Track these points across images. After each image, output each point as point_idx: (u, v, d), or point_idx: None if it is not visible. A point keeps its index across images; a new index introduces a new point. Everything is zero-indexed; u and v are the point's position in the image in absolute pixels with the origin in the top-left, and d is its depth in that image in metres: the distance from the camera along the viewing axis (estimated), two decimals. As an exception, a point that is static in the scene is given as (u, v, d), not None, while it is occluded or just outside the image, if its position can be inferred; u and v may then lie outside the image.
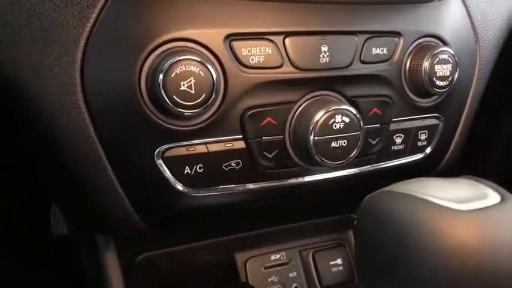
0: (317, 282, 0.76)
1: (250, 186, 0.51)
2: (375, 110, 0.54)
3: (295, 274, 0.76)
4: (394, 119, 0.56)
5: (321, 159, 0.48)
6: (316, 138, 0.48)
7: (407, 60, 0.55)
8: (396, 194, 0.36)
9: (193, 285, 0.67)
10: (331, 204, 0.76)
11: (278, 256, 0.76)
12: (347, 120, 0.49)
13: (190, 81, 0.42)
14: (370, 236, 0.35)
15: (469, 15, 0.61)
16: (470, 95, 0.62)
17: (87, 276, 0.65)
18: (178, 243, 0.70)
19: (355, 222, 0.41)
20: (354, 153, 0.50)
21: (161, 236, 0.68)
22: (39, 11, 0.41)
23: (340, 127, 0.49)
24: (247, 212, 0.60)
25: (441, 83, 0.54)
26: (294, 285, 0.75)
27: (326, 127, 0.48)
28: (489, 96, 0.65)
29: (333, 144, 0.49)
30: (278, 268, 0.75)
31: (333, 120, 0.48)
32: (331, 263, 0.77)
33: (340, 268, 0.77)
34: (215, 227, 0.71)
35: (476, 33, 0.61)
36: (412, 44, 0.55)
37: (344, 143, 0.49)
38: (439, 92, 0.55)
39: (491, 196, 0.31)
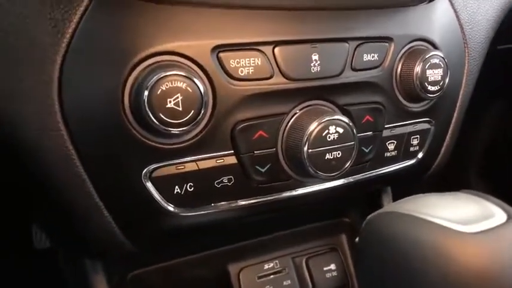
0: (311, 289, 0.75)
1: (243, 202, 0.49)
2: (367, 117, 0.52)
3: (289, 282, 0.74)
4: (386, 126, 0.55)
5: (315, 171, 0.47)
6: (310, 150, 0.46)
7: (398, 65, 0.54)
8: (398, 214, 0.35)
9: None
10: (323, 212, 0.75)
11: (271, 265, 0.75)
12: (341, 130, 0.47)
13: (178, 97, 0.40)
14: (373, 257, 0.34)
15: (457, 17, 0.60)
16: (460, 97, 0.62)
17: None
18: (169, 259, 0.68)
19: (357, 240, 0.40)
20: (348, 164, 0.49)
21: (151, 253, 0.66)
22: (16, 29, 0.38)
23: (334, 138, 0.47)
24: (238, 226, 0.58)
25: (433, 88, 0.53)
26: (289, 293, 0.74)
27: (320, 139, 0.46)
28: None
29: (327, 156, 0.47)
30: (272, 277, 0.74)
31: (326, 131, 0.47)
32: (325, 268, 0.76)
33: (334, 274, 0.77)
34: (206, 241, 0.69)
35: (465, 34, 0.61)
36: (402, 48, 0.54)
37: (338, 154, 0.48)
38: (431, 97, 0.54)
39: (496, 214, 0.30)
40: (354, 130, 0.48)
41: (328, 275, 0.76)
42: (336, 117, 0.47)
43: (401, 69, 0.53)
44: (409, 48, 0.54)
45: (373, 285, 0.34)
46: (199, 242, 0.68)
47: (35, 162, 0.41)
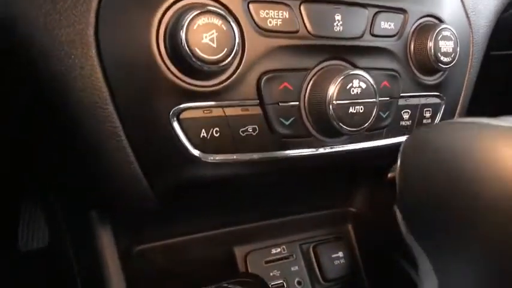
0: (320, 276, 0.73)
1: (266, 154, 0.48)
2: (384, 83, 0.54)
3: (297, 268, 0.73)
4: (401, 94, 0.56)
5: (338, 124, 0.48)
6: (335, 102, 0.47)
7: (412, 38, 0.56)
8: (458, 123, 0.34)
9: (190, 279, 0.62)
10: (335, 189, 0.74)
11: (279, 250, 0.73)
12: (363, 86, 0.49)
13: (213, 34, 0.41)
14: (420, 172, 0.33)
15: (462, 2, 0.64)
16: (466, 77, 0.64)
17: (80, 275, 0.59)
18: (175, 236, 0.66)
19: (399, 161, 0.37)
20: (370, 120, 0.50)
21: (158, 227, 0.64)
22: None
23: (357, 92, 0.48)
24: (258, 186, 0.57)
25: (445, 59, 0.56)
26: (297, 279, 0.72)
27: (344, 91, 0.47)
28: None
29: (351, 109, 0.48)
30: (279, 262, 0.72)
31: (350, 84, 0.48)
32: (333, 256, 0.75)
33: (342, 261, 0.75)
34: (213, 218, 0.68)
35: (469, 19, 0.64)
36: (416, 22, 0.57)
37: (361, 109, 0.49)
38: (444, 67, 0.56)
39: None
40: (375, 88, 0.50)
41: (336, 262, 0.75)
42: (359, 72, 0.48)
43: (415, 42, 0.56)
44: (421, 22, 0.57)
45: (419, 202, 0.33)
46: (206, 219, 0.66)
47: (62, 93, 0.41)
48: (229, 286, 0.51)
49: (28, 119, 0.49)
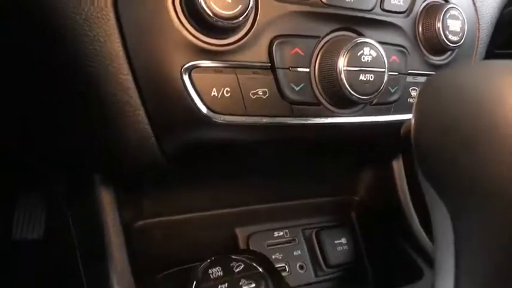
0: (322, 262, 0.71)
1: (275, 120, 0.48)
2: (393, 57, 0.54)
3: (299, 252, 0.71)
4: (409, 71, 0.57)
5: (349, 91, 0.48)
6: (346, 68, 0.47)
7: (420, 16, 0.57)
8: (482, 64, 0.33)
9: (191, 257, 0.61)
10: (339, 176, 0.74)
11: (281, 234, 0.72)
12: (374, 54, 0.49)
13: (228, -12, 0.41)
14: (440, 112, 0.32)
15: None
16: (474, 56, 0.65)
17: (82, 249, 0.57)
18: (176, 213, 0.65)
19: (416, 102, 0.36)
20: (380, 89, 0.50)
21: (159, 203, 0.63)
22: None
23: (368, 60, 0.48)
24: (265, 158, 0.56)
25: (453, 38, 0.57)
26: (299, 263, 0.70)
27: (355, 58, 0.47)
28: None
29: (361, 77, 0.48)
30: (282, 246, 0.71)
31: (361, 52, 0.48)
32: (336, 241, 0.74)
33: (345, 247, 0.74)
34: (216, 198, 0.67)
35: (475, 5, 0.65)
36: (424, 1, 0.57)
37: (371, 77, 0.49)
38: (451, 46, 0.57)
39: None
40: (385, 58, 0.50)
41: (339, 248, 0.73)
42: (370, 41, 0.49)
43: (423, 20, 0.57)
44: (430, 2, 0.58)
45: (433, 158, 0.32)
46: (208, 197, 0.65)
47: (77, 50, 0.40)
48: (236, 257, 0.50)
49: (36, 79, 0.48)
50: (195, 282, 0.46)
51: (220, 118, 0.45)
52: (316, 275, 0.71)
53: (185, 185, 0.62)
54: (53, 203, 0.76)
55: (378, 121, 0.56)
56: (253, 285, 0.46)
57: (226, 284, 0.45)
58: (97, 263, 0.52)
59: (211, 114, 0.45)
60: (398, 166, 0.76)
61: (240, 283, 0.46)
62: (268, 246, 0.69)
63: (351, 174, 0.79)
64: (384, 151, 0.71)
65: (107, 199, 0.52)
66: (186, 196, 0.64)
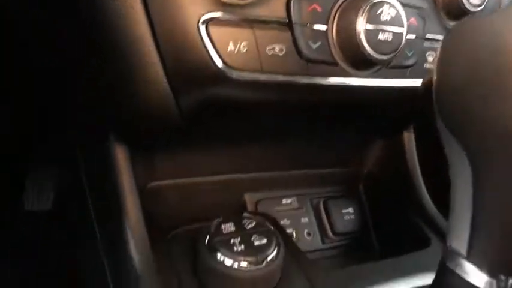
0: (329, 230, 0.72)
1: (291, 78, 0.48)
2: (412, 19, 0.53)
3: (307, 220, 0.72)
4: (427, 36, 0.56)
5: (366, 50, 0.47)
6: (364, 26, 0.46)
7: None
8: None
9: (202, 218, 0.61)
10: (348, 148, 0.74)
11: (289, 201, 0.72)
12: (393, 13, 0.48)
13: None
14: (467, 58, 0.31)
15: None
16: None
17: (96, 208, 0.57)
18: (187, 176, 0.65)
19: (440, 49, 0.35)
20: (398, 49, 0.49)
21: (171, 166, 0.63)
22: None
23: (387, 19, 0.47)
24: (276, 119, 0.56)
25: (475, 1, 0.55)
26: (306, 230, 0.71)
27: (375, 16, 0.46)
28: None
29: (380, 36, 0.47)
30: (289, 213, 0.71)
31: (381, 10, 0.47)
32: (343, 211, 0.74)
33: (352, 217, 0.74)
34: (226, 163, 0.67)
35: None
36: None
37: (390, 37, 0.48)
38: (473, 11, 0.56)
39: None
40: (405, 18, 0.49)
41: (346, 217, 0.74)
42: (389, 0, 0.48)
43: (443, -17, 0.56)
44: (451, -36, 0.57)
45: (455, 103, 0.32)
46: (221, 162, 0.66)
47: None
48: (248, 215, 0.51)
49: (52, 30, 0.48)
50: (208, 236, 0.46)
51: (235, 74, 0.45)
52: (323, 242, 0.71)
53: (197, 148, 0.62)
54: (66, 170, 0.76)
55: (393, 85, 0.55)
56: (265, 241, 0.47)
57: (238, 239, 0.46)
58: (112, 223, 0.52)
59: (227, 69, 0.44)
60: (409, 137, 0.75)
61: (252, 238, 0.46)
62: (276, 212, 0.70)
63: (360, 146, 0.79)
64: (396, 120, 0.71)
65: (121, 158, 0.52)
66: (198, 160, 0.65)
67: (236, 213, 0.65)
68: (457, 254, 0.35)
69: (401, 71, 0.55)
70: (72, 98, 0.55)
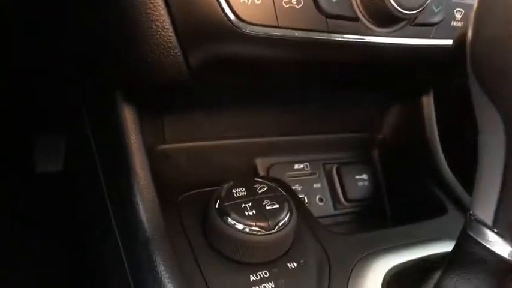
0: (341, 196, 0.71)
1: (308, 34, 0.44)
2: (441, -29, 0.49)
3: (319, 185, 0.70)
4: (457, -10, 0.51)
5: (392, 4, 0.43)
6: (391, -23, 0.42)
7: None
8: None
9: (213, 182, 0.60)
10: (364, 113, 0.71)
11: (302, 166, 0.71)
12: (421, -35, 0.44)
13: None
14: (505, 14, 0.28)
15: None
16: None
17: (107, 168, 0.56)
18: (198, 140, 0.63)
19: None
20: (425, 4, 0.45)
21: (182, 128, 0.61)
22: None
23: (413, -28, 0.43)
24: (291, 79, 0.53)
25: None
26: (318, 196, 0.70)
27: (401, -32, 0.43)
28: None
29: (405, -10, 0.43)
30: (302, 178, 0.70)
31: (408, -40, 0.43)
32: (357, 177, 0.73)
33: (366, 183, 0.73)
34: (237, 127, 0.65)
35: None
36: None
37: (415, -8, 0.44)
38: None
39: None
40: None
41: (359, 183, 0.72)
42: None
43: None
44: None
45: (492, 66, 0.29)
46: (232, 125, 0.64)
47: None
48: (259, 180, 0.49)
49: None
50: (218, 200, 0.45)
51: (249, 28, 0.42)
52: (335, 208, 0.70)
53: (207, 111, 0.60)
54: (75, 131, 0.75)
55: (417, 44, 0.51)
56: (277, 206, 0.45)
57: (250, 203, 0.44)
58: (121, 184, 0.51)
59: (239, 23, 0.41)
60: (428, 102, 0.72)
61: (264, 203, 0.45)
62: (288, 177, 0.68)
63: (376, 110, 0.76)
64: (416, 82, 0.67)
65: (129, 118, 0.50)
66: (208, 123, 0.63)
67: (247, 178, 0.64)
68: (481, 224, 0.33)
69: (427, 29, 0.51)
70: (77, 56, 0.53)
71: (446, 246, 0.50)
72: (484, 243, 0.33)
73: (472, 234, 0.34)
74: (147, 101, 0.52)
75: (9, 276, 0.84)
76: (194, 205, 0.50)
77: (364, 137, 0.77)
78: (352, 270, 0.44)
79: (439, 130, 0.72)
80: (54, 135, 0.94)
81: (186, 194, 0.52)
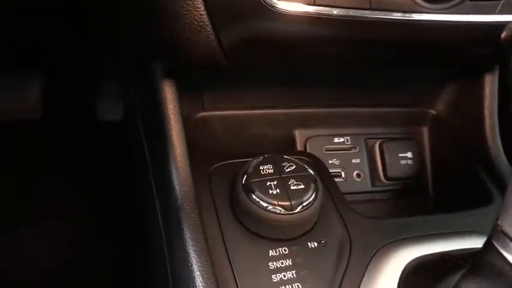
0: (381, 173, 0.68)
1: (349, 12, 0.41)
2: None
3: (358, 161, 0.69)
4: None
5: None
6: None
7: None
8: None
9: (249, 152, 0.61)
10: (416, 86, 0.66)
11: (342, 140, 0.69)
12: None
13: None
14: None
15: None
16: None
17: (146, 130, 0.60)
18: (237, 109, 0.64)
19: None
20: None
21: (221, 97, 0.62)
22: None
23: None
24: (332, 58, 0.51)
25: None
26: (356, 171, 0.68)
27: None
28: None
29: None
30: (340, 152, 0.68)
31: None
32: (400, 155, 0.69)
33: (410, 162, 0.69)
34: (277, 96, 0.64)
35: None
36: None
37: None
38: None
39: None
40: None
41: (402, 162, 0.69)
42: None
43: None
44: None
45: None
46: (272, 95, 0.63)
47: None
48: (289, 157, 0.49)
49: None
50: (245, 176, 0.46)
51: (284, 6, 0.40)
52: (373, 185, 0.68)
53: (246, 81, 0.60)
54: (126, 91, 0.80)
55: (478, 21, 0.46)
56: (302, 186, 0.46)
57: (275, 182, 0.45)
58: (157, 149, 0.54)
59: (274, 1, 0.40)
60: (491, 80, 0.65)
61: (289, 182, 0.46)
62: (326, 151, 0.67)
63: (432, 85, 0.70)
64: (478, 61, 0.60)
65: (168, 89, 0.52)
66: (248, 92, 0.63)
67: (282, 151, 0.64)
68: (507, 236, 0.31)
69: (491, 3, 0.45)
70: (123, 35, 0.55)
71: (479, 242, 0.48)
72: (506, 256, 0.31)
73: (496, 245, 0.32)
74: (186, 75, 0.53)
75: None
76: (225, 176, 0.52)
77: (414, 112, 0.72)
78: (372, 257, 0.44)
79: (499, 114, 0.65)
80: (112, 89, 1.00)
81: (219, 164, 0.53)
